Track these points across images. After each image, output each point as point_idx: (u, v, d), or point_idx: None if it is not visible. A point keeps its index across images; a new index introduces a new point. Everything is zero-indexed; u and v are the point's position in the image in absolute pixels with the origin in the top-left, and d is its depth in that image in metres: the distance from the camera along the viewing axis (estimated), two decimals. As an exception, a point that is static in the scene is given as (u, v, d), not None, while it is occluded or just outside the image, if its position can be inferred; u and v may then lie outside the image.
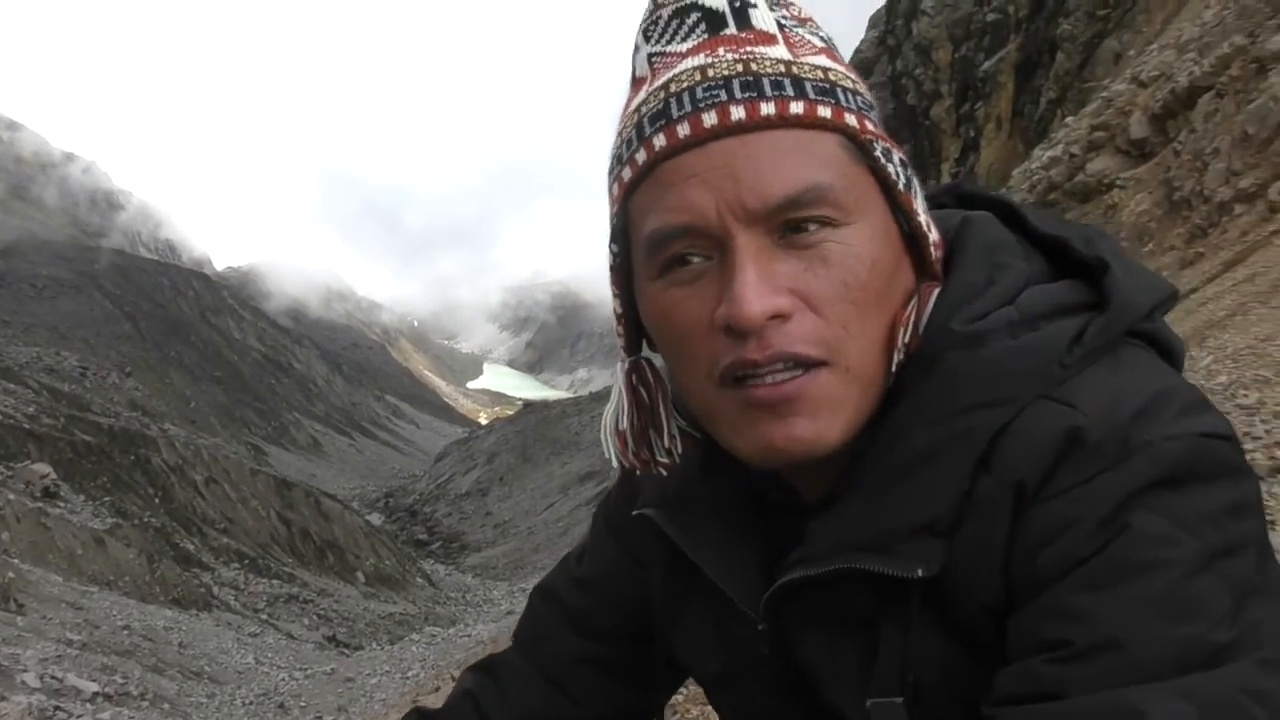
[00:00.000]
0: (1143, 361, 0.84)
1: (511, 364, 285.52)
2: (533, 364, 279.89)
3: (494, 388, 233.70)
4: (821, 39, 0.89)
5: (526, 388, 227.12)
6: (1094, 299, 0.85)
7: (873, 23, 33.36)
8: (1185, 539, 0.73)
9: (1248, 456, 3.83)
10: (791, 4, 0.89)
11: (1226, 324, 8.08)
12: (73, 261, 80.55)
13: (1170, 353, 0.89)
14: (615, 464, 1.02)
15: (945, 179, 26.15)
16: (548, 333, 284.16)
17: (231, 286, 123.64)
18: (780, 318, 0.80)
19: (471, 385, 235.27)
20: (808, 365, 0.81)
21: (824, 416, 0.83)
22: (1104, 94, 15.54)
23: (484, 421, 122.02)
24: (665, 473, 1.00)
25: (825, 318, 0.82)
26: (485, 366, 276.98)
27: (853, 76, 0.88)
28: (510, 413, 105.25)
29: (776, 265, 0.81)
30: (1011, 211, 0.96)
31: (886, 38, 31.67)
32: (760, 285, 0.79)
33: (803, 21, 0.88)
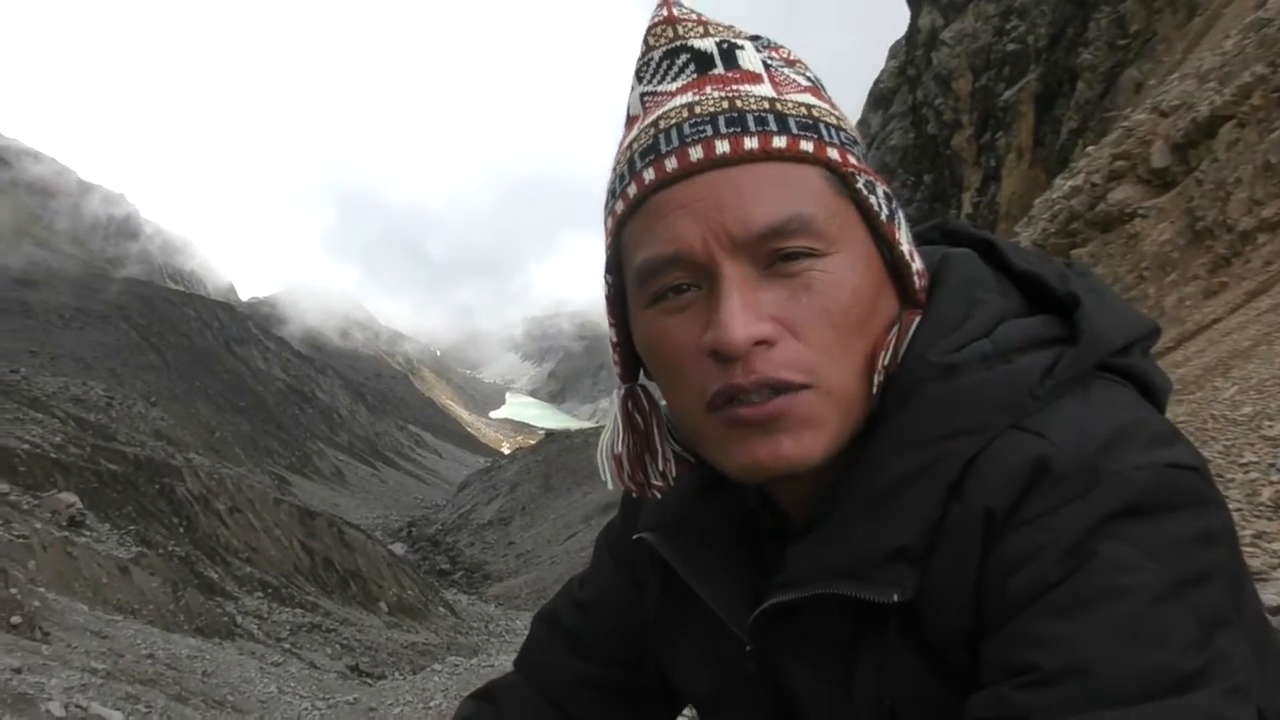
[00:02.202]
0: (1114, 395, 0.86)
1: (534, 394, 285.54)
2: (555, 394, 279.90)
3: (516, 417, 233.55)
4: (808, 79, 0.92)
5: (548, 417, 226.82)
6: (1067, 333, 0.87)
7: (893, 53, 33.46)
8: (1151, 567, 0.74)
9: (1273, 489, 3.80)
10: (781, 47, 0.93)
11: (1251, 354, 8.03)
12: (99, 292, 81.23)
13: (1151, 389, 0.90)
14: (610, 487, 1.05)
15: (967, 209, 26.15)
16: (570, 362, 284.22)
17: (256, 317, 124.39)
18: (764, 343, 0.83)
19: (494, 415, 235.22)
20: (790, 390, 0.84)
21: (807, 434, 0.85)
22: (1125, 123, 15.51)
23: (506, 451, 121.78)
24: (660, 496, 1.03)
25: (808, 343, 0.84)
26: (507, 396, 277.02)
27: (837, 113, 0.91)
28: (532, 442, 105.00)
29: (761, 293, 0.84)
30: (992, 248, 0.98)
31: (907, 68, 31.74)
32: (745, 312, 0.83)
33: (790, 63, 0.92)
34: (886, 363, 0.88)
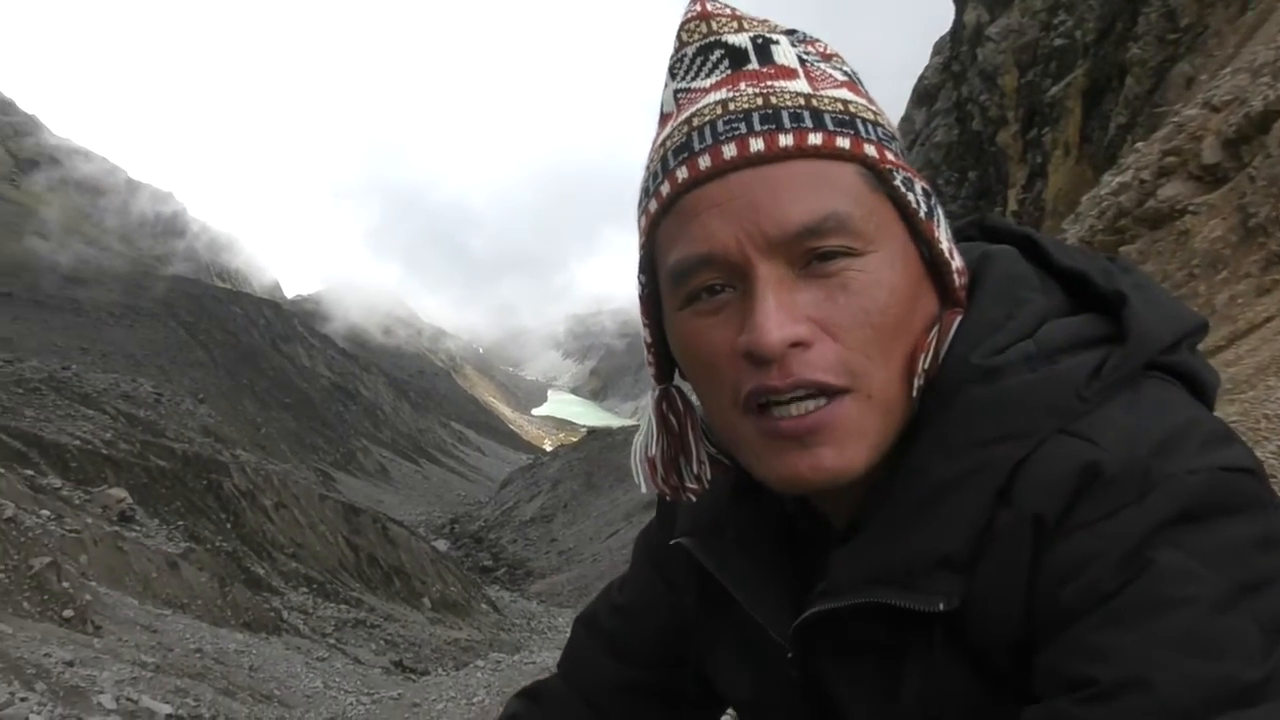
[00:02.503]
0: (1165, 395, 0.83)
1: (575, 391, 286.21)
2: (596, 391, 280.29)
3: (558, 414, 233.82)
4: (845, 73, 0.90)
5: (590, 415, 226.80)
6: (1114, 332, 0.85)
7: (937, 49, 33.16)
8: (1209, 575, 0.71)
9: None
10: (817, 41, 0.91)
11: (1303, 352, 7.89)
12: (148, 290, 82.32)
13: (1200, 386, 0.87)
14: (644, 490, 1.03)
15: (1012, 206, 25.85)
16: (612, 360, 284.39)
17: (301, 314, 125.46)
18: (801, 345, 0.81)
19: (536, 412, 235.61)
20: (829, 393, 0.82)
21: (850, 445, 0.83)
22: (1175, 119, 15.26)
23: (548, 448, 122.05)
24: (694, 499, 1.01)
25: (846, 345, 0.82)
26: (549, 393, 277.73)
27: (874, 109, 0.89)
28: (574, 439, 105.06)
29: (797, 294, 0.82)
30: (1033, 244, 0.96)
31: (951, 64, 31.43)
32: (780, 314, 0.81)
33: (826, 57, 0.90)
34: (927, 365, 0.86)
